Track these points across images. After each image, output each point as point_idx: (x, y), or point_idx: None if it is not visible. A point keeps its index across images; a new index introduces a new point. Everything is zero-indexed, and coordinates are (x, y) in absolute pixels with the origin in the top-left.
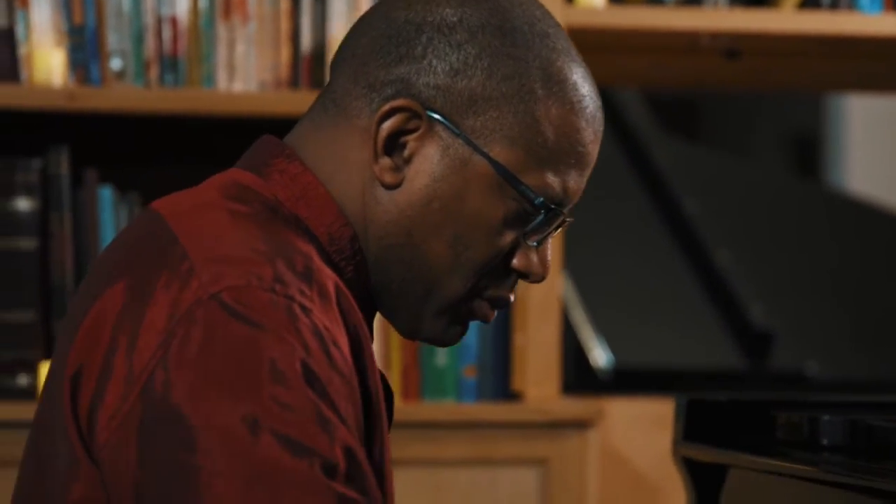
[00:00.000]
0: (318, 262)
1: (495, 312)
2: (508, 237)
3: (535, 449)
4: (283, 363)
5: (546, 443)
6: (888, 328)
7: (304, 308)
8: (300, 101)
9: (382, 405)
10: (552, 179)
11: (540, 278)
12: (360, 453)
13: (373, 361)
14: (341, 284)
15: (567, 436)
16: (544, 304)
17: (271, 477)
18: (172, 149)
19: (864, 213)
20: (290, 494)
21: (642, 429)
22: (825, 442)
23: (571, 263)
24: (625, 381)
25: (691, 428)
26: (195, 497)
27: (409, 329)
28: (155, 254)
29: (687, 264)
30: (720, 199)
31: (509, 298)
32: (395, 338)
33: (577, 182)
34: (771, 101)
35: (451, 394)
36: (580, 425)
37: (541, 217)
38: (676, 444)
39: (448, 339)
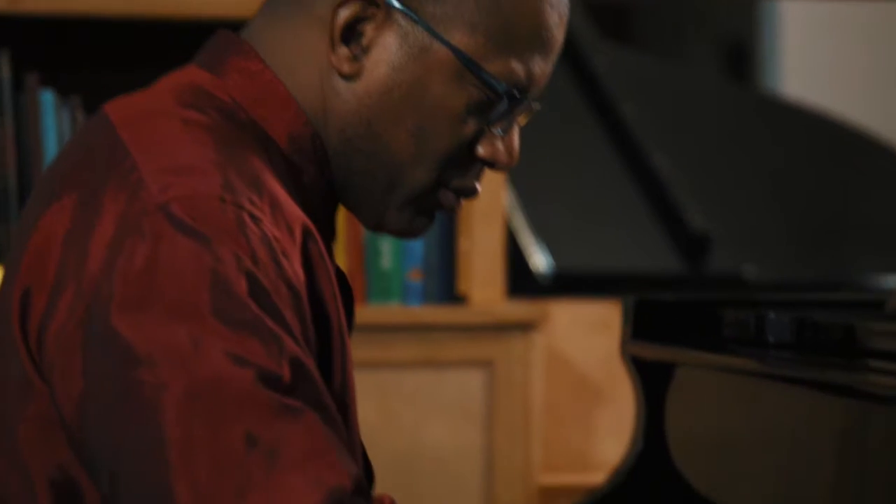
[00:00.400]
0: (269, 178)
1: (461, 202)
2: (472, 125)
3: (481, 351)
4: (228, 276)
5: (491, 345)
6: (824, 231)
7: (253, 217)
8: (248, 2)
9: (344, 326)
10: (516, 65)
11: (506, 167)
12: (308, 364)
13: (329, 281)
14: (301, 215)
15: (511, 338)
16: (488, 208)
17: (213, 390)
18: (116, 52)
19: (799, 117)
20: (231, 406)
21: (585, 331)
22: (771, 339)
23: (511, 170)
24: (565, 285)
25: (639, 327)
26: (139, 411)
27: (374, 222)
28: (104, 166)
29: (625, 169)
30: (657, 103)
31: (475, 188)
32: (340, 242)
33: (541, 68)
34: (704, 6)
35: (396, 297)
36: (524, 327)
37: (504, 104)
38: (624, 343)
39: (414, 231)
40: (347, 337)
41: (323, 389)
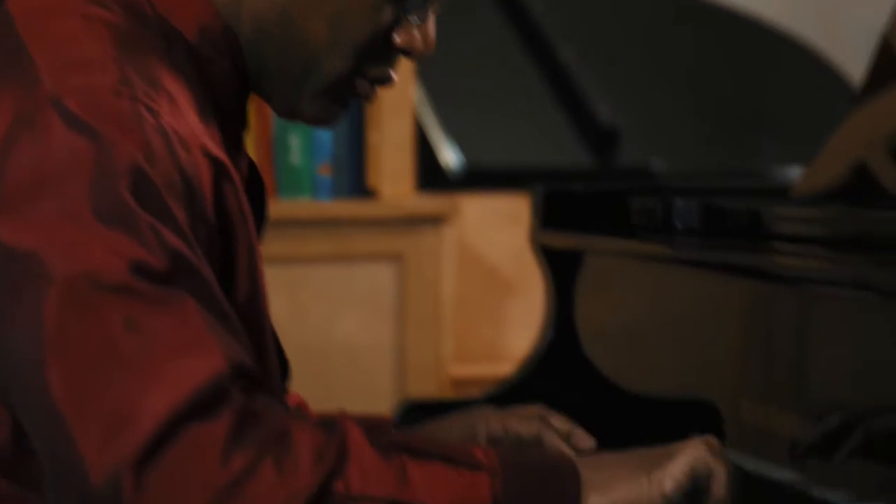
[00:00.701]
0: (170, 80)
1: (376, 90)
2: (388, 14)
3: (391, 245)
4: (112, 172)
5: (401, 238)
6: (733, 126)
7: (150, 109)
8: None
9: (253, 235)
10: None
11: (423, 55)
12: (192, 257)
13: (236, 196)
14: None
15: (422, 231)
16: (397, 101)
17: (88, 283)
18: None
19: (710, 11)
20: (104, 297)
21: (496, 225)
22: (679, 225)
23: (419, 65)
24: (475, 179)
25: (549, 217)
26: (20, 308)
27: (287, 110)
28: (3, 62)
29: (533, 63)
30: None
31: (391, 76)
32: (249, 139)
33: None
34: None
35: (306, 191)
36: (435, 221)
37: None
38: (534, 232)
39: (328, 119)
40: (257, 245)
41: (210, 281)
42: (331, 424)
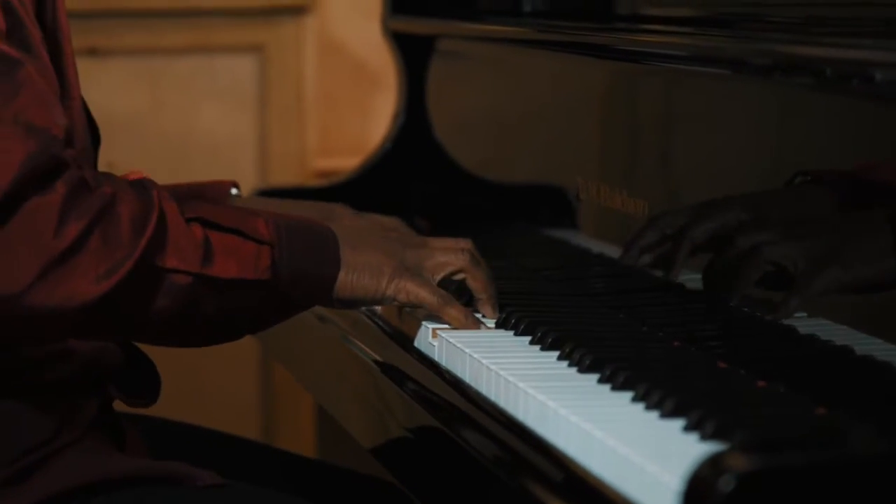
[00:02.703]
0: None
1: None
2: None
3: (252, 35)
4: None
5: (262, 29)
6: None
7: None
8: None
9: None
10: None
11: None
12: (21, 10)
13: None
14: None
15: (283, 22)
16: None
17: None
18: None
19: None
20: None
21: (358, 16)
22: (528, 7)
23: None
24: None
25: (400, 2)
26: None
27: None
28: None
29: None
30: None
31: None
32: None
33: None
34: None
35: None
36: (296, 11)
37: None
38: (385, 19)
39: None
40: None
41: (38, 38)
42: (146, 189)
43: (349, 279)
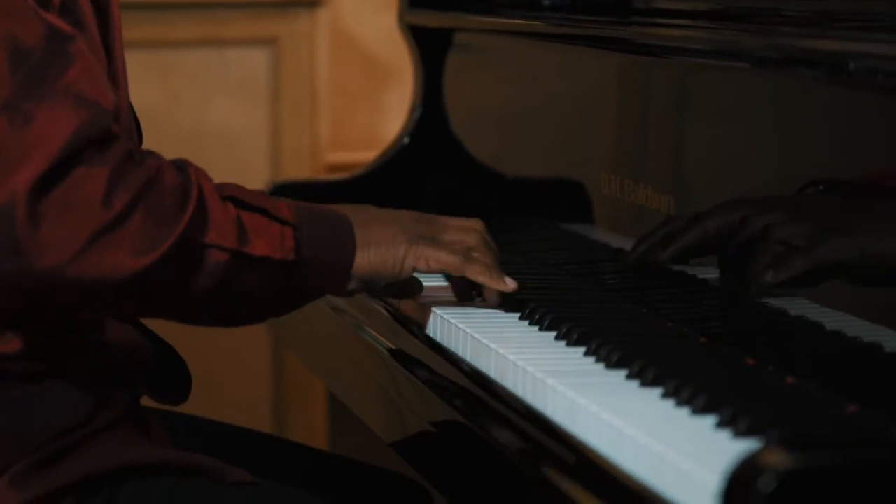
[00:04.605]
0: None
1: None
2: None
3: (265, 29)
4: None
5: (275, 22)
6: None
7: None
8: None
9: None
10: None
11: None
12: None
13: None
14: None
15: (296, 15)
16: None
17: None
18: None
19: None
20: (2, 24)
21: (371, 10)
22: (545, 1)
23: None
24: None
25: None
26: None
27: None
28: None
29: None
30: None
31: None
32: None
33: None
34: None
35: None
36: (309, 4)
37: None
38: (402, 13)
39: None
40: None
41: (90, 14)
42: (184, 167)
43: (366, 256)
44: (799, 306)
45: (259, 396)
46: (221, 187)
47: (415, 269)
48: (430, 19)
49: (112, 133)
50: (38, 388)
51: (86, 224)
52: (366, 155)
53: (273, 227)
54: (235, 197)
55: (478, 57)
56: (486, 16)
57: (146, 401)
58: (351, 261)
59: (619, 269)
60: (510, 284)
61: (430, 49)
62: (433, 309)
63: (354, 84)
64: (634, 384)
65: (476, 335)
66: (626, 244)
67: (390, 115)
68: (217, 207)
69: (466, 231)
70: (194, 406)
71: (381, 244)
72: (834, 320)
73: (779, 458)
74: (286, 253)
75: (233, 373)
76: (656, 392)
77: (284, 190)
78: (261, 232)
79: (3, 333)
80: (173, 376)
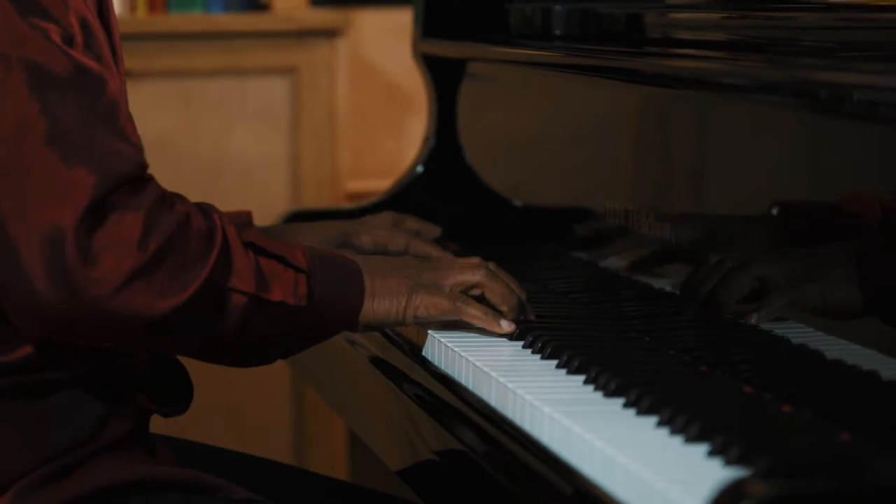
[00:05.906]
0: None
1: None
2: None
3: (284, 58)
4: None
5: (295, 51)
6: None
7: None
8: None
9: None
10: None
11: None
12: (94, 22)
13: None
14: None
15: (316, 44)
16: None
17: (15, 50)
18: None
19: None
20: (30, 57)
21: (391, 38)
22: (558, 31)
23: None
24: None
25: (429, 25)
26: None
27: None
28: None
29: None
30: None
31: None
32: None
33: None
34: None
35: (198, 5)
36: (328, 34)
37: None
38: (416, 42)
39: None
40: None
41: (107, 50)
42: (208, 212)
43: (371, 305)
44: (801, 334)
45: (279, 426)
46: (242, 233)
47: (416, 318)
48: (444, 49)
49: (146, 173)
50: (44, 405)
51: (125, 263)
52: (386, 183)
53: (289, 273)
54: (255, 244)
55: (491, 86)
56: (499, 46)
57: (157, 426)
58: (359, 306)
59: (626, 298)
60: (506, 328)
61: (443, 78)
62: (436, 336)
63: (376, 112)
64: (631, 412)
65: (478, 363)
66: (638, 274)
67: (412, 143)
68: (240, 254)
69: (470, 269)
70: (213, 435)
71: (385, 295)
72: (834, 350)
73: (759, 487)
74: (299, 299)
75: (253, 402)
76: (652, 420)
77: (299, 218)
78: (277, 278)
79: (8, 340)
80: (173, 383)
